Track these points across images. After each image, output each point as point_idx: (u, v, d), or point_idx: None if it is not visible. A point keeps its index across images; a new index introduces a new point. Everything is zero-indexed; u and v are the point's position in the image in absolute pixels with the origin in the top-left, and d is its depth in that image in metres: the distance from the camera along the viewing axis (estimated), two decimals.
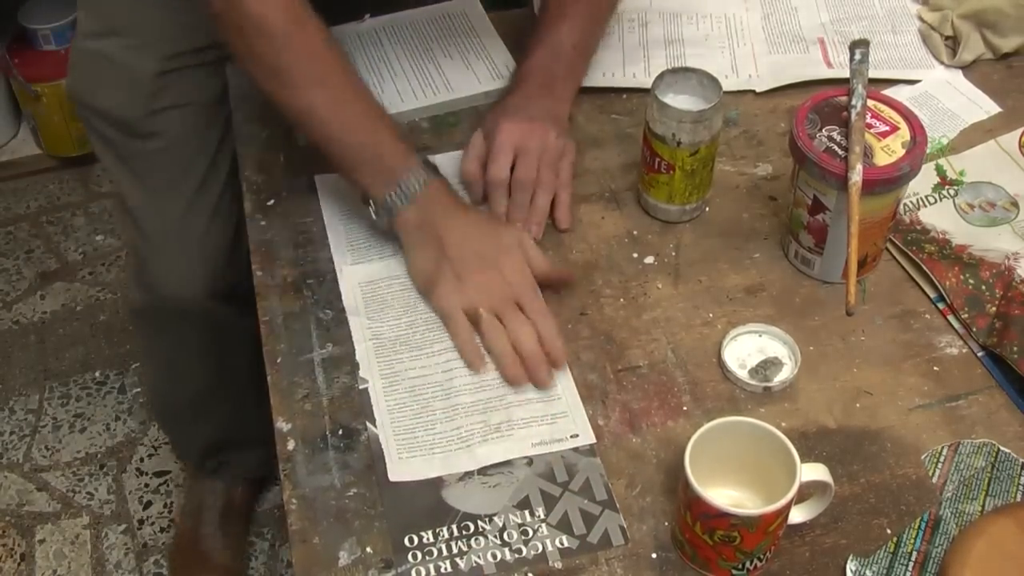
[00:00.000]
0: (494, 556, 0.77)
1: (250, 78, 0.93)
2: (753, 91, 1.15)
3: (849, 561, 0.75)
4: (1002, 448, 0.82)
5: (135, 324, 1.41)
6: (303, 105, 0.91)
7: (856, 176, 0.86)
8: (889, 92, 1.00)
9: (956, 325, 0.92)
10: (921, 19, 1.22)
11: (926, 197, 1.00)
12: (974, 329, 0.90)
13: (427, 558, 0.77)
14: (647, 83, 0.97)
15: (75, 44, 1.16)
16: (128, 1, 1.11)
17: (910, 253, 0.96)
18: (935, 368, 0.89)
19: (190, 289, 1.22)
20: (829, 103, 0.93)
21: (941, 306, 0.93)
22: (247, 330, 1.35)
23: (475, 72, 1.16)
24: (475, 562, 0.77)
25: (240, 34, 0.89)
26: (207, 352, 1.33)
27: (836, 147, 0.89)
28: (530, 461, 0.82)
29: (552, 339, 0.87)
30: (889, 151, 0.88)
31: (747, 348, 0.89)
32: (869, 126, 0.90)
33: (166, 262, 1.20)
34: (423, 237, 0.92)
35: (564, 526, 0.78)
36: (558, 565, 0.76)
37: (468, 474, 0.82)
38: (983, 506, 0.79)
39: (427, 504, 0.80)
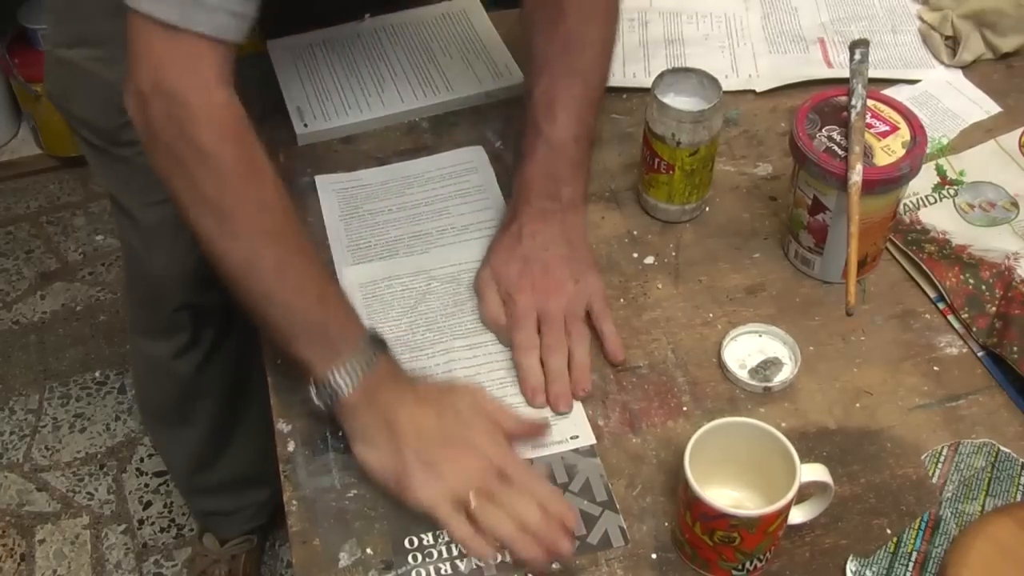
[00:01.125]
0: (494, 557, 0.77)
1: (183, 214, 0.80)
2: (753, 91, 1.15)
3: (849, 561, 0.75)
4: (1002, 448, 0.82)
5: (130, 308, 1.41)
6: (243, 255, 0.79)
7: (856, 176, 0.86)
8: (889, 92, 1.00)
9: (956, 325, 0.92)
10: (921, 19, 1.22)
11: (926, 197, 1.00)
12: (974, 329, 0.90)
13: (427, 559, 0.77)
14: (647, 83, 0.97)
15: (47, 50, 1.12)
16: (97, 11, 1.00)
17: (910, 253, 0.96)
18: (935, 368, 0.89)
19: (181, 273, 1.21)
20: (829, 103, 0.93)
21: (941, 306, 0.93)
22: (233, 330, 1.37)
23: (475, 72, 1.16)
24: (475, 563, 0.76)
25: (182, 166, 0.77)
26: (195, 345, 1.32)
27: (836, 147, 0.89)
28: (530, 462, 0.82)
29: (556, 501, 0.78)
30: (889, 151, 0.88)
31: (747, 348, 0.89)
32: (869, 126, 0.90)
33: (150, 245, 1.20)
34: (373, 427, 0.80)
35: None
36: (558, 565, 0.76)
37: None
38: (983, 506, 0.79)
39: None
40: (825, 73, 1.15)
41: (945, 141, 1.08)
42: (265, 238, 0.79)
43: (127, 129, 1.09)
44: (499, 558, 0.76)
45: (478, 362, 0.89)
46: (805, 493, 0.76)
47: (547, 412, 0.86)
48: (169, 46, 0.76)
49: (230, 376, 1.40)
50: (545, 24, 0.95)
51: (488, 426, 0.81)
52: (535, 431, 0.83)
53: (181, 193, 0.79)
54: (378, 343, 0.83)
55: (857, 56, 0.95)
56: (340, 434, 0.84)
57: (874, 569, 0.75)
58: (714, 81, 0.95)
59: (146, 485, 1.79)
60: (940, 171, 1.03)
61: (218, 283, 1.28)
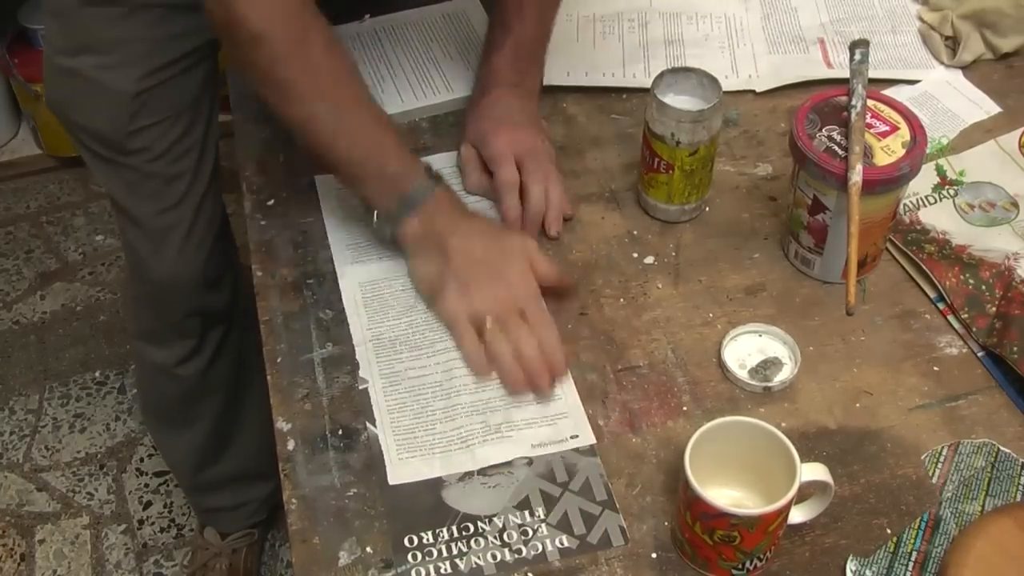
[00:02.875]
0: (494, 556, 0.77)
1: (249, 84, 0.93)
2: (753, 91, 1.15)
3: (849, 561, 0.75)
4: (1002, 448, 0.82)
5: (134, 314, 1.41)
6: (303, 117, 0.90)
7: (856, 176, 0.86)
8: (889, 92, 1.00)
9: (956, 325, 0.92)
10: (921, 19, 1.22)
11: (926, 197, 1.00)
12: (974, 329, 0.90)
13: (427, 558, 0.77)
14: (647, 83, 0.98)
15: (47, 58, 1.10)
16: (99, 17, 1.03)
17: (910, 253, 0.96)
18: (935, 368, 0.89)
19: (184, 274, 1.22)
20: (829, 103, 0.93)
21: (941, 306, 0.93)
22: (235, 329, 1.37)
23: (475, 72, 1.16)
24: (475, 563, 0.77)
25: (238, 46, 0.88)
26: (199, 351, 1.33)
27: (836, 147, 0.89)
28: (530, 461, 0.82)
29: (554, 349, 0.87)
30: (889, 151, 0.88)
31: (747, 348, 0.89)
32: (869, 126, 0.90)
33: (158, 250, 1.20)
34: (427, 247, 0.92)
35: (564, 526, 0.78)
36: (558, 565, 0.76)
37: (468, 474, 0.82)
38: (983, 506, 0.79)
39: (427, 504, 0.80)
40: (825, 73, 1.15)
41: (945, 141, 1.08)
42: (318, 99, 0.89)
43: (135, 137, 1.10)
44: (491, 372, 0.87)
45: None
46: (805, 493, 0.76)
47: (550, 411, 0.86)
48: None
49: (232, 374, 1.40)
50: None
51: (525, 270, 0.91)
52: (566, 282, 0.94)
53: (243, 70, 0.91)
54: (435, 177, 0.94)
55: (857, 56, 0.95)
56: (340, 432, 0.84)
57: (874, 569, 0.75)
58: (714, 81, 0.95)
59: (146, 485, 1.79)
60: (940, 171, 1.03)
61: (223, 284, 1.29)
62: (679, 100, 0.96)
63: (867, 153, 0.88)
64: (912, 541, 0.77)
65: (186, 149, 1.14)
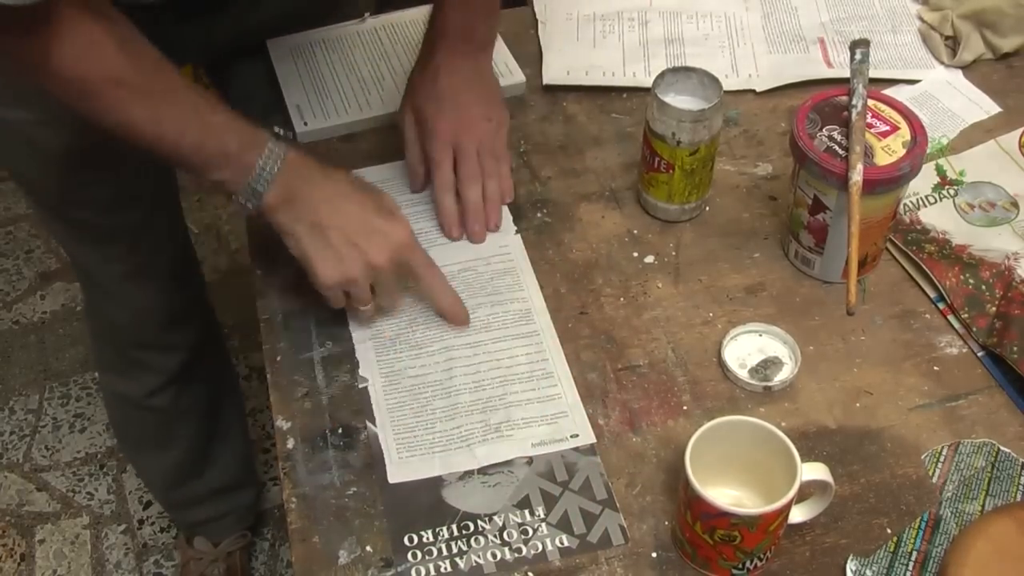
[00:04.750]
0: (494, 555, 0.77)
1: (59, 101, 0.81)
2: (753, 91, 1.15)
3: (849, 561, 0.75)
4: (1002, 448, 0.82)
5: (94, 345, 1.38)
6: (122, 125, 0.81)
7: (856, 176, 0.86)
8: (889, 92, 1.00)
9: (956, 325, 0.92)
10: (921, 19, 1.22)
11: (926, 197, 1.00)
12: (974, 329, 0.90)
13: (427, 557, 0.77)
14: (647, 82, 0.98)
15: None
16: None
17: (910, 253, 0.96)
18: (935, 368, 0.89)
19: (139, 317, 1.21)
20: (829, 103, 0.93)
21: (941, 306, 0.93)
22: (212, 357, 1.36)
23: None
24: (475, 561, 0.77)
25: (42, 83, 0.79)
26: (167, 382, 1.31)
27: (836, 147, 0.89)
28: (530, 460, 0.82)
29: (446, 294, 0.90)
30: (889, 151, 0.88)
31: (747, 348, 0.89)
32: (869, 126, 0.90)
33: (110, 296, 1.19)
34: (296, 214, 0.86)
35: (564, 525, 0.78)
36: (558, 564, 0.76)
37: (468, 473, 0.82)
38: (983, 506, 0.79)
39: (427, 503, 0.80)
40: (825, 73, 1.15)
41: (945, 141, 1.08)
42: (128, 104, 0.80)
43: (74, 192, 1.05)
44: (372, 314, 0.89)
45: (478, 360, 0.89)
46: (805, 492, 0.76)
47: (550, 410, 0.86)
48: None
49: (206, 397, 1.39)
50: None
51: (404, 224, 0.89)
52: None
53: (52, 95, 0.80)
54: (285, 140, 0.88)
55: (858, 56, 0.95)
56: (340, 431, 0.84)
57: (874, 569, 0.75)
58: (714, 81, 0.95)
59: (146, 485, 1.79)
60: (940, 171, 1.03)
61: (187, 320, 1.26)
62: (679, 99, 0.96)
63: (867, 153, 0.88)
64: (912, 541, 0.77)
65: (133, 199, 1.10)
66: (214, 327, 1.39)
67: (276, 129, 0.90)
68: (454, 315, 0.91)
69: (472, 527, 0.79)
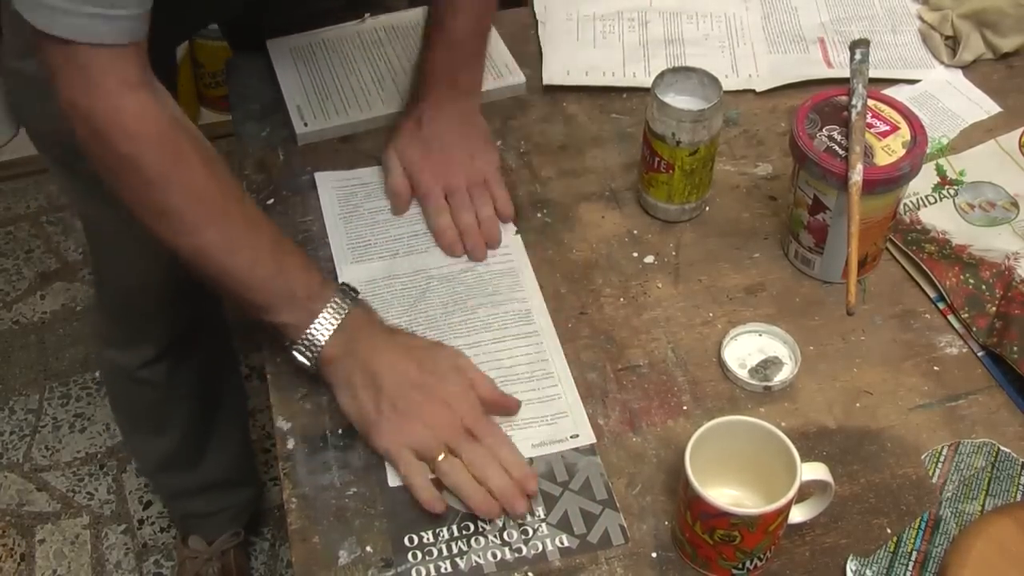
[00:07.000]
0: (494, 556, 0.77)
1: (133, 215, 0.82)
2: (753, 91, 1.15)
3: (849, 561, 0.75)
4: (1002, 448, 0.82)
5: (98, 317, 1.38)
6: (193, 247, 0.81)
7: (856, 176, 0.86)
8: (889, 92, 1.00)
9: (956, 325, 0.92)
10: (921, 19, 1.22)
11: (926, 197, 1.00)
12: (974, 329, 0.90)
13: (427, 558, 0.77)
14: (647, 82, 0.98)
15: (3, 64, 1.04)
16: None
17: (910, 253, 0.96)
18: (935, 368, 0.89)
19: (145, 280, 1.20)
20: (829, 103, 0.93)
21: (941, 306, 0.93)
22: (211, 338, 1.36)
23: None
24: (475, 562, 0.77)
25: (115, 175, 0.80)
26: (162, 354, 1.32)
27: (836, 147, 0.89)
28: (530, 460, 0.82)
29: (519, 465, 0.80)
30: (889, 151, 0.88)
31: (747, 348, 0.89)
32: (869, 126, 0.90)
33: (119, 256, 1.18)
34: (352, 372, 0.83)
35: (564, 525, 0.78)
36: (558, 564, 0.76)
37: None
38: (983, 506, 0.79)
39: None
40: (825, 73, 1.15)
41: (945, 141, 1.08)
42: (205, 225, 0.80)
43: None
44: (446, 507, 0.78)
45: (478, 361, 0.89)
46: (805, 492, 0.76)
47: (550, 411, 0.86)
48: (66, 61, 0.75)
49: (201, 381, 1.39)
50: None
51: (464, 387, 0.83)
52: (509, 403, 0.85)
53: (123, 198, 0.81)
54: (351, 296, 0.86)
55: (858, 56, 0.95)
56: (340, 431, 0.84)
57: (874, 569, 0.75)
58: (714, 81, 0.95)
59: (146, 485, 1.79)
60: (940, 171, 1.03)
61: (190, 291, 1.26)
62: (679, 100, 0.96)
63: (867, 153, 0.88)
64: (912, 541, 0.77)
65: None
66: (214, 308, 1.39)
67: (344, 284, 0.88)
68: (515, 507, 0.79)
69: (472, 527, 0.78)
